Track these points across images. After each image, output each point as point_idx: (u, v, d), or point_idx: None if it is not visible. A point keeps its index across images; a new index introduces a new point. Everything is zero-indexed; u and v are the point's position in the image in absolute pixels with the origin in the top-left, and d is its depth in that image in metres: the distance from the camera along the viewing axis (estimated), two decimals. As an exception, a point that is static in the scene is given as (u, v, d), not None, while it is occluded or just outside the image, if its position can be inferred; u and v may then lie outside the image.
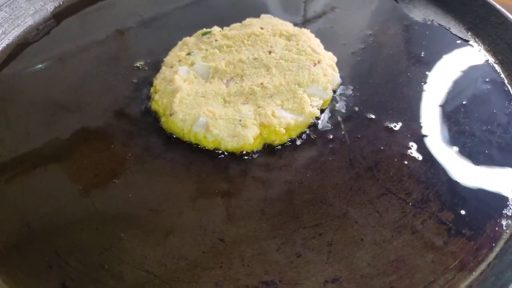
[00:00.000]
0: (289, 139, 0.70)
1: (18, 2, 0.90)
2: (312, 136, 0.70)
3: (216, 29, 0.83)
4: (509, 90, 0.76)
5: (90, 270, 0.56)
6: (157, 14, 0.94)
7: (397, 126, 0.71)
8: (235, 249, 0.58)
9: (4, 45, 0.86)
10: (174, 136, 0.71)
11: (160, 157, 0.69)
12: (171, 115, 0.70)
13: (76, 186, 0.65)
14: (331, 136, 0.70)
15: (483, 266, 0.56)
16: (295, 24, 0.86)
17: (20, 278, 0.56)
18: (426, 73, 0.79)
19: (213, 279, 0.55)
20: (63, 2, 0.96)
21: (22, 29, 0.90)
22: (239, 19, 0.86)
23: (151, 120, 0.73)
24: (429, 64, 0.81)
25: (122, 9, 0.96)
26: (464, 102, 0.74)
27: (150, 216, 0.61)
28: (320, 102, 0.72)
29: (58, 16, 0.94)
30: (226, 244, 0.58)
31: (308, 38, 0.79)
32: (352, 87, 0.77)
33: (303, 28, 0.82)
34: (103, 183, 0.65)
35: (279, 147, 0.69)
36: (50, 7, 0.94)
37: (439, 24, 0.88)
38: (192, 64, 0.77)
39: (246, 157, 0.68)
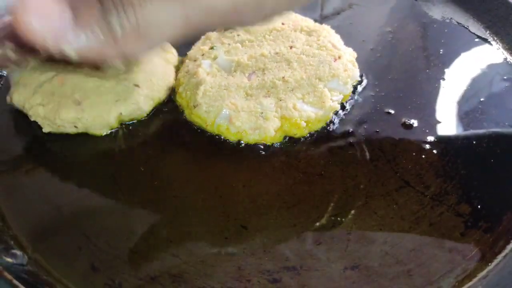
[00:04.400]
0: (309, 133, 0.72)
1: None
2: (331, 130, 0.72)
3: (238, 24, 0.85)
4: (527, 88, 0.77)
5: (119, 252, 0.59)
6: (179, 9, 0.96)
7: (416, 121, 0.72)
8: (257, 235, 0.60)
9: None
10: (197, 128, 0.73)
11: (184, 147, 0.71)
12: (194, 107, 0.72)
13: (103, 173, 0.68)
14: (350, 130, 0.72)
15: (499, 257, 0.57)
16: (314, 21, 0.88)
17: (51, 259, 0.59)
18: (445, 70, 0.80)
19: (236, 264, 0.57)
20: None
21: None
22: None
23: (174, 112, 0.76)
24: (447, 61, 0.82)
25: (145, 4, 0.98)
26: (482, 99, 0.75)
27: (175, 203, 0.64)
28: (340, 97, 0.74)
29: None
30: (248, 231, 0.60)
31: (328, 33, 0.81)
32: (371, 83, 0.78)
33: (323, 24, 0.84)
34: (130, 171, 0.67)
35: (299, 139, 0.71)
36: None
37: (457, 22, 0.89)
38: (215, 58, 0.79)
39: (267, 149, 0.70)
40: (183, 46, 0.84)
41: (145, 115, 0.74)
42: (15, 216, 0.63)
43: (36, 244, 0.60)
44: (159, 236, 0.60)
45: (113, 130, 0.72)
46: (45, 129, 0.72)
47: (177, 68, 0.81)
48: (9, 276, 0.52)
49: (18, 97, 0.73)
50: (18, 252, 0.58)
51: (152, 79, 0.75)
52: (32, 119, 0.72)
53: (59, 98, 0.71)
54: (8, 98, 0.75)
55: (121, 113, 0.71)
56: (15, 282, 0.52)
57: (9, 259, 0.56)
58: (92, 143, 0.71)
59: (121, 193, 0.65)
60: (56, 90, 0.72)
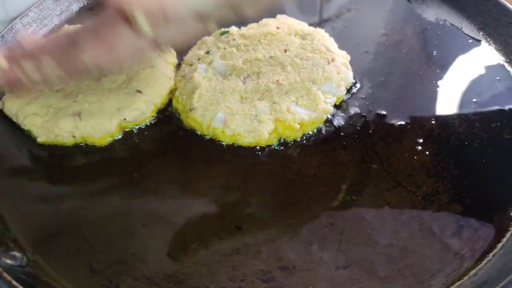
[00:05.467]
0: (302, 135, 0.73)
1: (45, 3, 0.94)
2: (325, 132, 0.73)
3: (234, 29, 0.86)
4: (519, 89, 0.78)
5: (116, 253, 0.60)
6: (177, 14, 0.98)
7: (409, 123, 0.73)
8: (251, 236, 0.61)
9: (32, 44, 0.91)
10: (193, 131, 0.74)
11: (180, 150, 0.72)
12: (190, 110, 0.74)
13: (101, 177, 0.69)
14: (343, 132, 0.73)
15: (489, 256, 0.58)
16: (310, 25, 0.89)
17: (50, 261, 0.60)
18: (438, 71, 0.81)
19: (231, 264, 0.59)
20: (87, 3, 1.00)
21: (49, 29, 0.94)
22: (256, 19, 0.89)
23: (171, 116, 0.77)
24: (441, 63, 0.83)
25: (143, 9, 1.00)
26: (474, 100, 0.76)
27: (171, 205, 0.65)
28: (334, 99, 0.75)
29: (83, 16, 0.98)
30: (242, 231, 0.62)
31: (322, 37, 0.82)
32: (365, 85, 0.79)
33: (317, 28, 0.85)
34: (127, 175, 0.69)
35: (293, 142, 0.72)
36: (75, 8, 0.98)
37: (451, 24, 0.90)
38: (210, 62, 0.80)
39: (261, 151, 0.71)
40: (180, 51, 0.86)
41: (148, 120, 0.75)
42: (15, 219, 0.64)
43: (36, 246, 0.61)
44: (155, 238, 0.61)
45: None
46: (40, 139, 0.71)
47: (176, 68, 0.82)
48: (9, 277, 0.53)
49: (11, 106, 0.73)
50: (18, 254, 0.59)
51: (154, 83, 0.76)
52: (26, 128, 0.72)
53: (57, 110, 0.72)
54: (0, 104, 0.76)
55: (124, 119, 0.72)
56: (15, 283, 0.53)
57: (8, 261, 0.58)
58: (90, 148, 0.73)
59: (118, 197, 0.66)
60: (54, 103, 0.72)
